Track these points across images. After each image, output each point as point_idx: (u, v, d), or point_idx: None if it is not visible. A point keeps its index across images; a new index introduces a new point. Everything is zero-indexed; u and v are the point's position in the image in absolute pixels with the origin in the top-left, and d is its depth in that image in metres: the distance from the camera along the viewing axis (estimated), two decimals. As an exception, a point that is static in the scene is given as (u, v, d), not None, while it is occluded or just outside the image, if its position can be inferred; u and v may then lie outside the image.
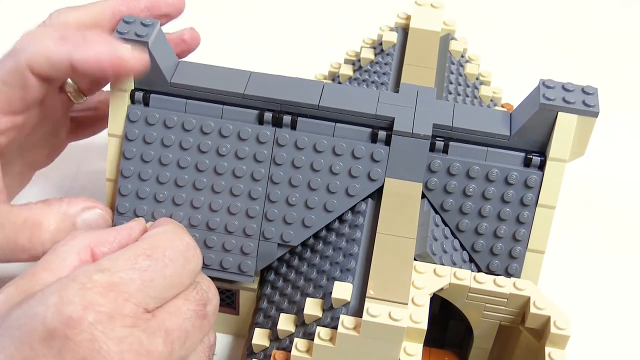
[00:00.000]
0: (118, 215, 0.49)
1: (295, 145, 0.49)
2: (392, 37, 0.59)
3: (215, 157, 0.49)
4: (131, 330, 0.36)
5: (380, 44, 0.59)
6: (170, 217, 0.48)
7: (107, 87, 0.54)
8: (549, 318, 0.44)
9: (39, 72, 0.46)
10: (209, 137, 0.49)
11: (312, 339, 0.43)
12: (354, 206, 0.49)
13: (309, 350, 0.43)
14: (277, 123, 0.49)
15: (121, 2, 0.50)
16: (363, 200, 0.49)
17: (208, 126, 0.49)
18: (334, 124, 0.49)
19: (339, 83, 0.60)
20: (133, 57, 0.46)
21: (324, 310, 0.44)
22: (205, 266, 0.48)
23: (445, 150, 0.48)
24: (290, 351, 0.44)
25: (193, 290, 0.42)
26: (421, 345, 0.43)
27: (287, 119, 0.49)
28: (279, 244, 0.49)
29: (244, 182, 0.49)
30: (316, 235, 0.50)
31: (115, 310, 0.36)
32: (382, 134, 0.48)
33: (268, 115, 0.49)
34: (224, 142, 0.49)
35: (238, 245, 0.49)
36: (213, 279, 0.46)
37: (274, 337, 0.47)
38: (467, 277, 0.45)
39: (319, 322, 0.44)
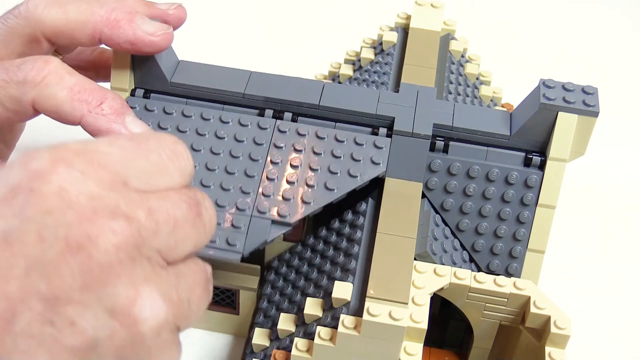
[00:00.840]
0: None
1: (297, 131, 0.48)
2: (392, 37, 0.59)
3: (213, 139, 0.48)
4: (107, 193, 0.31)
5: (381, 43, 0.59)
6: None
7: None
8: (549, 318, 0.44)
9: (42, 111, 0.46)
10: (208, 122, 0.49)
11: (313, 339, 0.43)
12: (354, 206, 0.49)
13: (309, 350, 0.43)
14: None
15: (106, 24, 0.46)
16: (363, 200, 0.49)
17: (208, 113, 0.49)
18: (334, 123, 0.49)
19: (339, 83, 0.60)
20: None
21: (324, 310, 0.44)
22: None
23: (445, 150, 0.48)
24: (290, 351, 0.44)
25: (186, 189, 0.35)
26: (421, 345, 0.43)
27: (287, 116, 0.49)
28: (273, 221, 0.46)
29: (240, 162, 0.47)
30: (316, 235, 0.50)
31: (89, 171, 0.31)
32: (382, 131, 0.48)
33: (269, 113, 0.49)
34: (223, 126, 0.48)
35: (228, 219, 0.46)
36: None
37: (274, 337, 0.47)
38: (467, 276, 0.45)
39: (319, 321, 0.44)
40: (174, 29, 0.51)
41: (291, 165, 0.47)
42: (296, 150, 0.48)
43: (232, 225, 0.45)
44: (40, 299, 0.29)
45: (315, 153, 0.48)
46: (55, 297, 0.29)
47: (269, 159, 0.48)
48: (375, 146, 0.48)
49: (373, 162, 0.47)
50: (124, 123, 0.45)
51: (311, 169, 0.47)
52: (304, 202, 0.46)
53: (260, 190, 0.47)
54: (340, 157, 0.47)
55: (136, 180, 0.33)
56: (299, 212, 0.46)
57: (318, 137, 0.48)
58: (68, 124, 0.46)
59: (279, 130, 0.48)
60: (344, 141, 0.48)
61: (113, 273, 0.30)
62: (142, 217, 0.32)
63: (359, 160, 0.47)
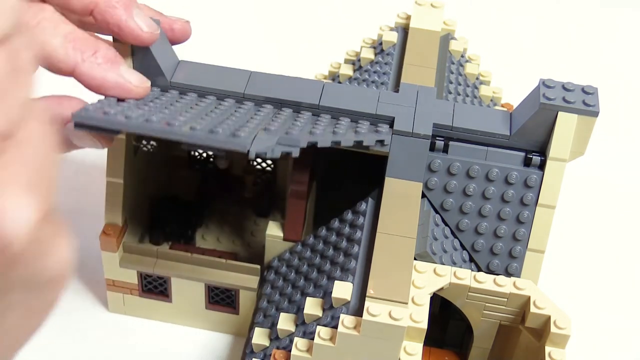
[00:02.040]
0: None
1: (298, 112, 0.48)
2: (392, 37, 0.59)
3: (213, 107, 0.48)
4: None
5: (381, 43, 0.59)
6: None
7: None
8: (549, 318, 0.44)
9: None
10: (206, 99, 0.48)
11: (312, 339, 0.43)
12: (354, 206, 0.49)
13: (309, 350, 0.43)
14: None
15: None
16: (363, 200, 0.49)
17: (211, 96, 0.49)
18: (334, 123, 0.49)
19: (339, 83, 0.60)
20: (137, 87, 0.46)
21: (324, 310, 0.44)
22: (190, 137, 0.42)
23: (445, 149, 0.48)
24: (290, 350, 0.44)
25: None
26: (421, 345, 0.43)
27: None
28: (279, 139, 0.43)
29: (239, 115, 0.46)
30: (316, 235, 0.50)
31: None
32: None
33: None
34: (223, 104, 0.48)
35: (230, 129, 0.43)
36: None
37: (274, 337, 0.47)
38: (467, 276, 0.45)
39: (319, 321, 0.44)
40: (177, 43, 0.50)
41: (293, 123, 0.47)
42: (297, 120, 0.47)
43: (234, 134, 0.42)
44: None
45: (317, 122, 0.47)
46: None
47: (271, 118, 0.47)
48: (377, 128, 0.48)
49: (377, 132, 0.47)
50: (118, 72, 0.45)
51: (315, 124, 0.47)
52: (310, 133, 0.45)
53: (263, 126, 0.45)
54: (344, 127, 0.47)
55: None
56: (305, 139, 0.44)
57: (319, 117, 0.48)
58: (60, 73, 0.45)
59: (280, 113, 0.48)
60: (345, 123, 0.48)
61: None
62: None
63: (363, 132, 0.47)
